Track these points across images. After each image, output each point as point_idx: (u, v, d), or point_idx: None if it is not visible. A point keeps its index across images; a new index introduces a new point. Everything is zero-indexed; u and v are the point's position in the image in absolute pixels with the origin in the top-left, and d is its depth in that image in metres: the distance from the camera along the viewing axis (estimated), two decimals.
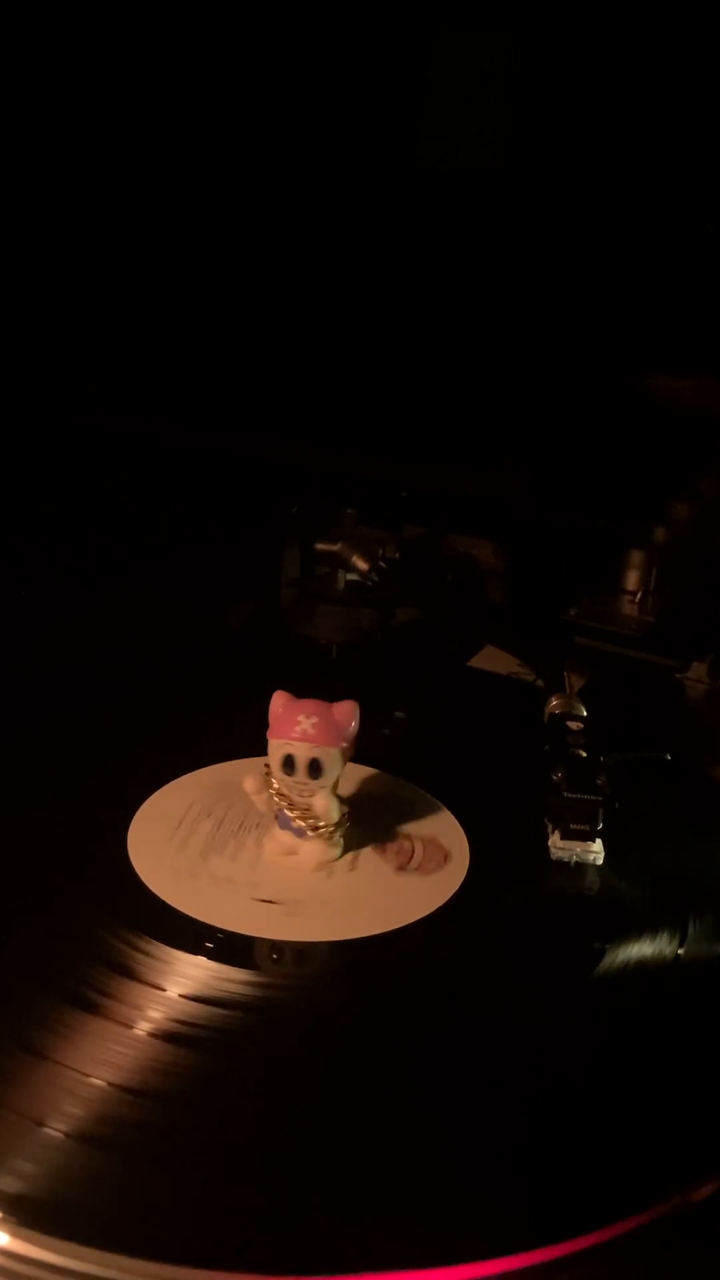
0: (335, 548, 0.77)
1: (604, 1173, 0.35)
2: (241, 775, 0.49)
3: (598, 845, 0.49)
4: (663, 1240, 0.33)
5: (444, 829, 0.51)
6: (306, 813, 0.47)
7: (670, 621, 0.76)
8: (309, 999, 0.41)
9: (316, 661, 0.72)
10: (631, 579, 0.78)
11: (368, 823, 0.50)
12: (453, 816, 0.52)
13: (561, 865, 0.49)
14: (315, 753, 0.46)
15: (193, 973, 0.41)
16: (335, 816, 0.48)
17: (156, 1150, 0.34)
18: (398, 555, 0.77)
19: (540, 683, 0.63)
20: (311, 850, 0.48)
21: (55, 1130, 0.34)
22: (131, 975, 0.41)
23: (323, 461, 0.87)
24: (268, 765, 0.47)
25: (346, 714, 0.46)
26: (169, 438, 0.89)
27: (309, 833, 0.48)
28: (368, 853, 0.49)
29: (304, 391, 0.88)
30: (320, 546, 0.77)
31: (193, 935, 0.43)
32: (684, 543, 0.80)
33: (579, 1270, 0.32)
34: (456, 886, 0.47)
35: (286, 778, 0.47)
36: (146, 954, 0.42)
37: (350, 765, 0.48)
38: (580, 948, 0.44)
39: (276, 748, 0.47)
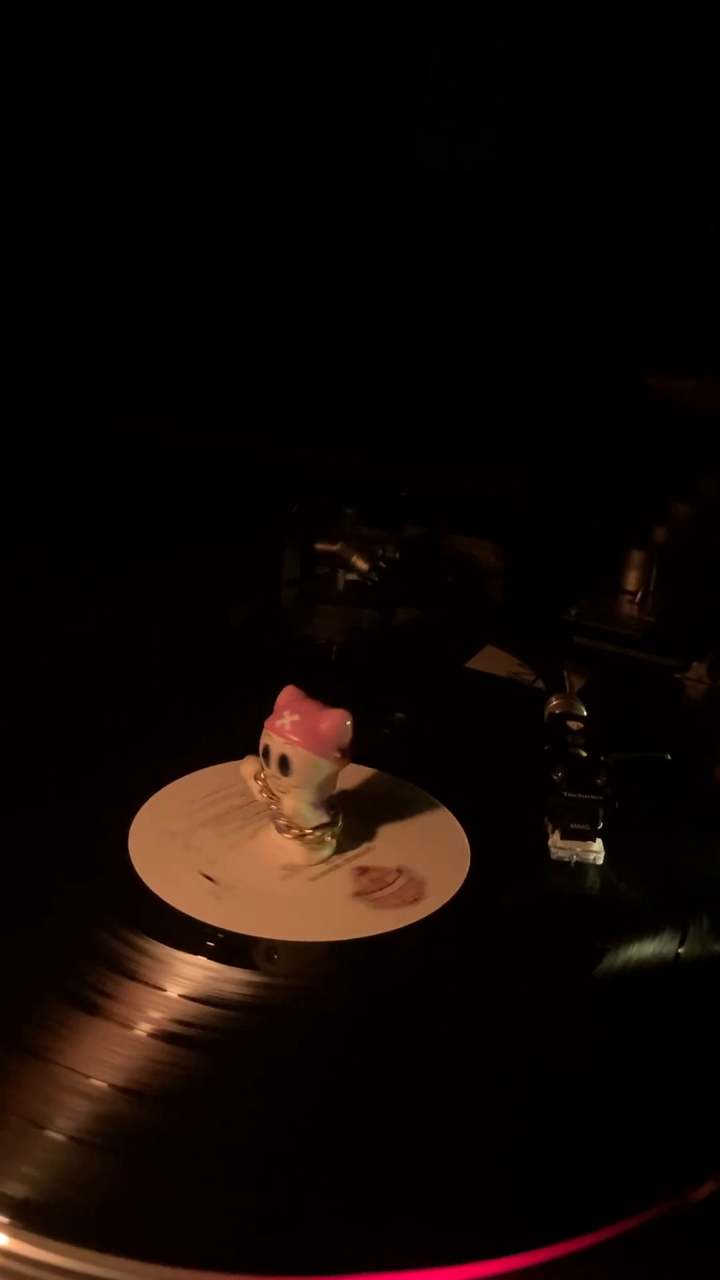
0: (335, 548, 0.77)
1: (604, 1173, 0.35)
2: (230, 779, 0.49)
3: (598, 845, 0.49)
4: (662, 1240, 0.33)
5: (444, 829, 0.51)
6: (279, 809, 0.48)
7: (670, 621, 0.76)
8: (309, 999, 0.41)
9: (316, 661, 0.72)
10: (631, 579, 0.78)
11: (368, 825, 0.50)
12: (453, 816, 0.52)
13: (561, 865, 0.49)
14: (286, 749, 0.46)
15: (193, 973, 0.41)
16: (308, 822, 0.48)
17: (156, 1151, 0.34)
18: (398, 555, 0.77)
19: (540, 683, 0.63)
20: (286, 848, 0.48)
21: (56, 1132, 0.34)
22: (131, 975, 0.41)
23: (323, 461, 0.87)
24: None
25: (331, 724, 0.46)
26: (169, 438, 0.89)
27: (285, 831, 0.48)
28: (347, 869, 0.48)
29: (304, 391, 0.88)
30: (320, 546, 0.77)
31: (193, 935, 0.43)
32: (684, 543, 0.80)
33: (579, 1270, 0.32)
34: (457, 887, 0.47)
35: (266, 769, 0.47)
36: (146, 954, 0.42)
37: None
38: (580, 948, 0.44)
39: (263, 735, 0.47)
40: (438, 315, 0.86)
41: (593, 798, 0.49)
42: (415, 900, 0.45)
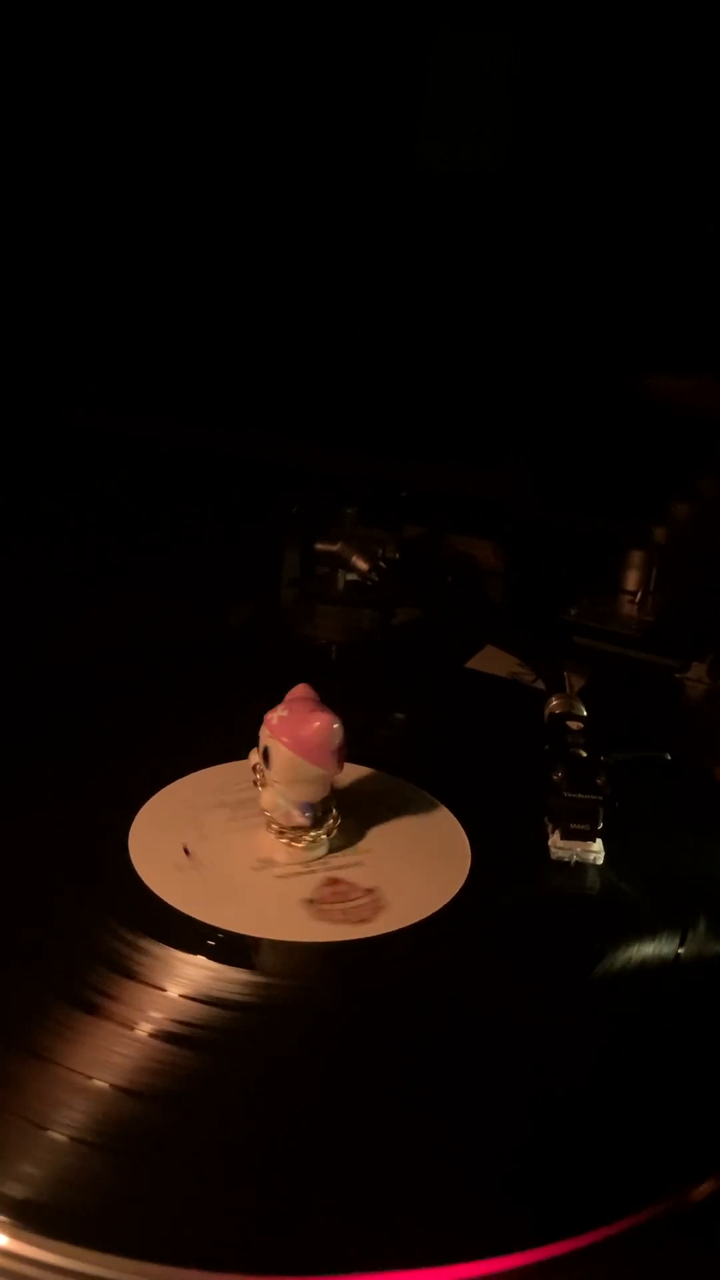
0: (335, 548, 0.77)
1: (603, 1172, 0.35)
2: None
3: (598, 845, 0.49)
4: (662, 1240, 0.33)
5: (444, 829, 0.51)
6: (260, 801, 0.48)
7: (670, 621, 0.76)
8: (309, 999, 0.41)
9: (316, 661, 0.72)
10: (631, 579, 0.78)
11: (368, 826, 0.50)
12: (453, 816, 0.52)
13: (561, 865, 0.49)
14: (269, 742, 0.47)
15: (193, 973, 0.41)
16: (285, 819, 0.48)
17: (156, 1151, 0.34)
18: (398, 555, 0.77)
19: (540, 683, 0.63)
20: (274, 844, 0.48)
21: (56, 1132, 0.34)
22: (132, 975, 0.41)
23: (323, 461, 0.87)
24: None
25: (312, 728, 0.46)
26: (169, 438, 0.89)
27: (268, 827, 0.48)
28: (321, 876, 0.47)
29: (304, 391, 0.88)
30: (320, 546, 0.77)
31: (193, 935, 0.43)
32: (684, 543, 0.80)
33: (579, 1269, 0.32)
34: (458, 887, 0.47)
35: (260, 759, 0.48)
36: (146, 954, 0.42)
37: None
38: (580, 948, 0.44)
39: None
40: (438, 315, 0.86)
41: (593, 798, 0.49)
42: (362, 921, 0.45)
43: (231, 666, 0.69)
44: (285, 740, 0.46)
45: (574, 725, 0.54)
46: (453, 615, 0.76)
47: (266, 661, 0.71)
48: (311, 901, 0.46)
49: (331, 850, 0.49)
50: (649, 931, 0.45)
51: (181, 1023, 0.39)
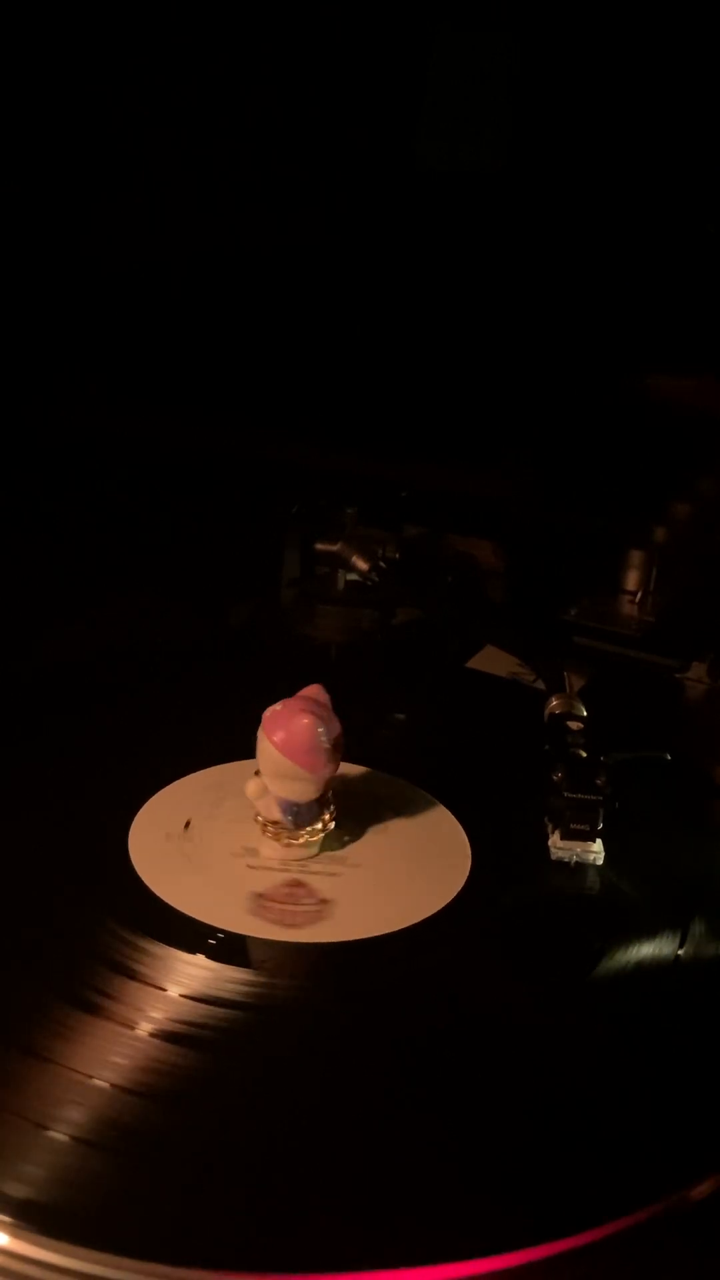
0: (335, 548, 0.77)
1: (603, 1172, 0.35)
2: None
3: (598, 845, 0.49)
4: (661, 1239, 0.33)
5: (444, 829, 0.51)
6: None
7: (670, 621, 0.76)
8: (309, 999, 0.41)
9: (316, 661, 0.72)
10: (631, 579, 0.78)
11: (367, 825, 0.50)
12: (453, 816, 0.52)
13: (561, 865, 0.49)
14: (260, 732, 0.47)
15: (193, 973, 0.41)
16: (265, 810, 0.48)
17: (156, 1151, 0.34)
18: (398, 555, 0.77)
19: (540, 683, 0.63)
20: (257, 835, 0.49)
21: (57, 1132, 0.34)
22: (132, 975, 0.41)
23: (323, 461, 0.87)
24: None
25: (287, 730, 0.46)
26: (169, 438, 0.89)
27: (255, 815, 0.49)
28: (291, 876, 0.47)
29: (304, 391, 0.88)
30: (320, 546, 0.78)
31: (193, 935, 0.43)
32: (684, 543, 0.80)
33: (579, 1268, 0.32)
34: (458, 887, 0.47)
35: None
36: (146, 954, 0.42)
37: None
38: (580, 948, 0.44)
39: None
40: (438, 315, 0.86)
41: (593, 798, 0.49)
42: (293, 926, 0.44)
43: (231, 666, 0.69)
44: (270, 735, 0.46)
45: (574, 725, 0.55)
46: (453, 615, 0.76)
47: (266, 661, 0.71)
48: (260, 896, 0.46)
49: (327, 850, 0.49)
50: (649, 931, 0.45)
51: (181, 1022, 0.39)
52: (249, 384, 0.89)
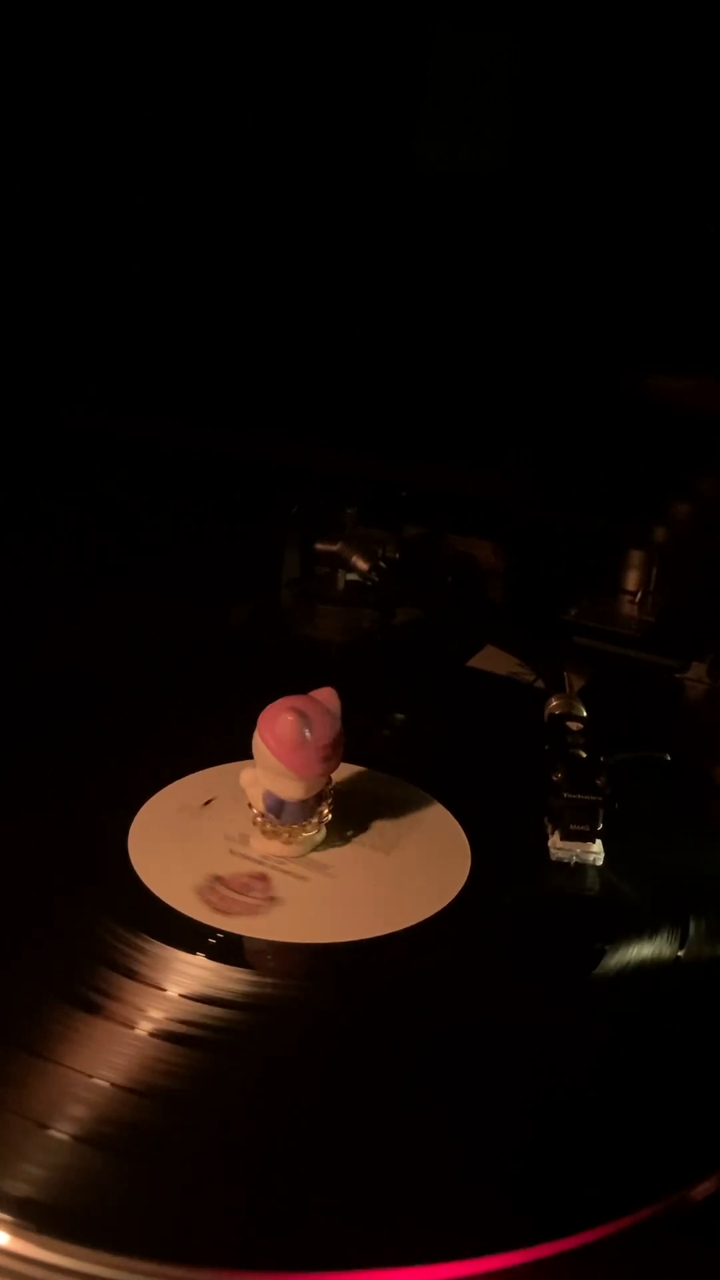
0: (335, 548, 0.77)
1: (603, 1172, 0.35)
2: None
3: (598, 845, 0.49)
4: (661, 1239, 0.33)
5: (444, 829, 0.51)
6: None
7: (670, 621, 0.76)
8: (309, 999, 0.41)
9: (316, 661, 0.72)
10: (631, 579, 0.78)
11: (366, 824, 0.50)
12: (453, 816, 0.52)
13: (561, 865, 0.49)
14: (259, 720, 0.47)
15: (193, 972, 0.41)
16: (254, 799, 0.48)
17: (156, 1151, 0.34)
18: (398, 555, 0.77)
19: (540, 683, 0.63)
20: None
21: (57, 1131, 0.34)
22: (132, 975, 0.41)
23: (323, 461, 0.87)
24: None
25: (276, 725, 0.46)
26: (169, 438, 0.89)
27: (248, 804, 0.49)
28: (261, 871, 0.47)
29: (304, 391, 0.88)
30: (320, 546, 0.77)
31: (193, 935, 0.43)
32: (684, 543, 0.80)
33: (579, 1268, 0.32)
34: (458, 887, 0.47)
35: None
36: (146, 954, 0.42)
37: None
38: (580, 948, 0.44)
39: None
40: (437, 315, 0.86)
41: (592, 798, 0.49)
42: (220, 911, 0.45)
43: (231, 666, 0.69)
44: (260, 728, 0.47)
45: (574, 725, 0.55)
46: (453, 615, 0.76)
47: (266, 661, 0.71)
48: (217, 879, 0.46)
49: (330, 848, 0.49)
50: (649, 932, 0.45)
51: (181, 1022, 0.39)
52: (249, 384, 0.89)
